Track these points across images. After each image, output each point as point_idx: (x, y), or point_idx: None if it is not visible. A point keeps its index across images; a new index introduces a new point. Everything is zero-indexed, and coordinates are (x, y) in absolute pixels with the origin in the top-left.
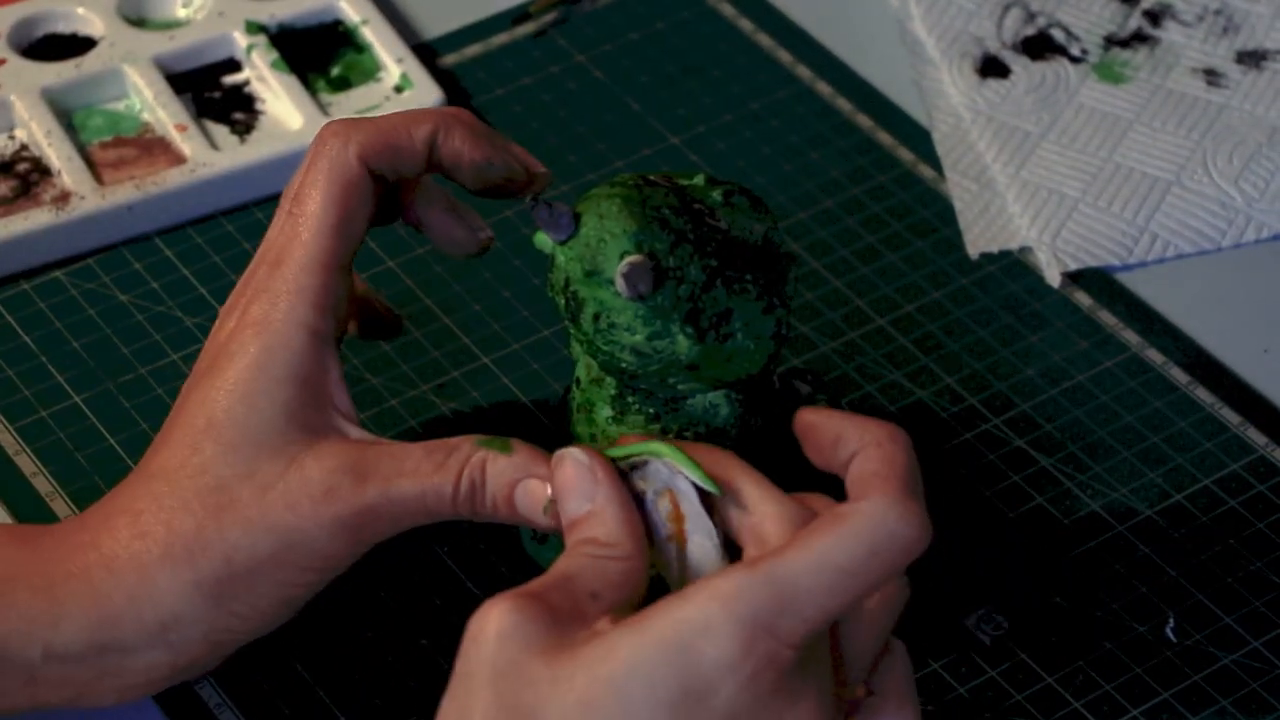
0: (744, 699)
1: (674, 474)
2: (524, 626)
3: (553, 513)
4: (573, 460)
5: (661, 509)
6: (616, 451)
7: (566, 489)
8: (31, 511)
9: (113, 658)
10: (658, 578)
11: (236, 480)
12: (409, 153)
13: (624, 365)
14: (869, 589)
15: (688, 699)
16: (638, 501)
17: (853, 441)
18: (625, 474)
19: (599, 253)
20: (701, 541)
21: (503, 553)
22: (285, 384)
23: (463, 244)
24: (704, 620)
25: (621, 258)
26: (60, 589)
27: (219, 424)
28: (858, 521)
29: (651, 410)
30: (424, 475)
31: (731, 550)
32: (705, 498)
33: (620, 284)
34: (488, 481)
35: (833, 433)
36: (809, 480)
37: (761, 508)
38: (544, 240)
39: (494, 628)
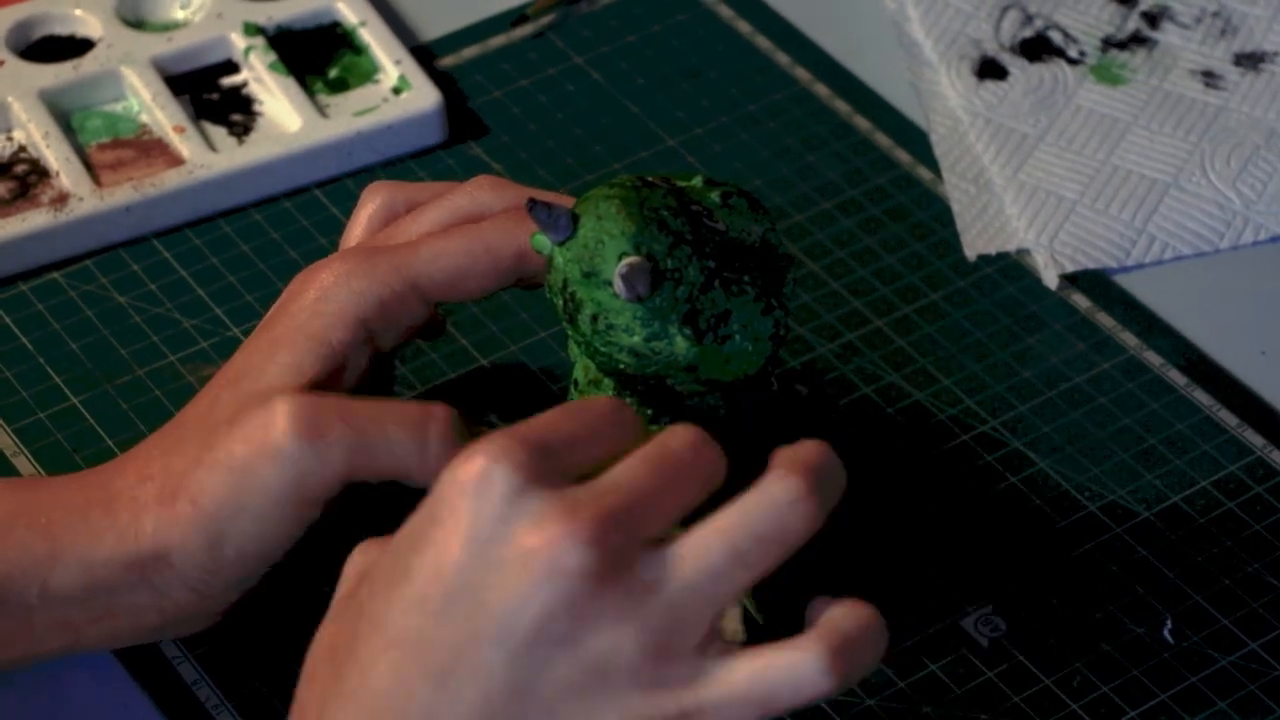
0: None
1: None
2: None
3: None
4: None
5: None
6: None
7: None
8: None
9: (103, 599)
10: None
11: (224, 423)
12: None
13: (622, 366)
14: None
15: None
16: None
17: None
18: None
19: (597, 254)
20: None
21: None
22: (311, 345)
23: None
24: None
25: (620, 259)
26: (58, 527)
27: (243, 375)
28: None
29: (649, 411)
30: (386, 404)
31: None
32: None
33: (618, 285)
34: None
35: None
36: None
37: None
38: (542, 241)
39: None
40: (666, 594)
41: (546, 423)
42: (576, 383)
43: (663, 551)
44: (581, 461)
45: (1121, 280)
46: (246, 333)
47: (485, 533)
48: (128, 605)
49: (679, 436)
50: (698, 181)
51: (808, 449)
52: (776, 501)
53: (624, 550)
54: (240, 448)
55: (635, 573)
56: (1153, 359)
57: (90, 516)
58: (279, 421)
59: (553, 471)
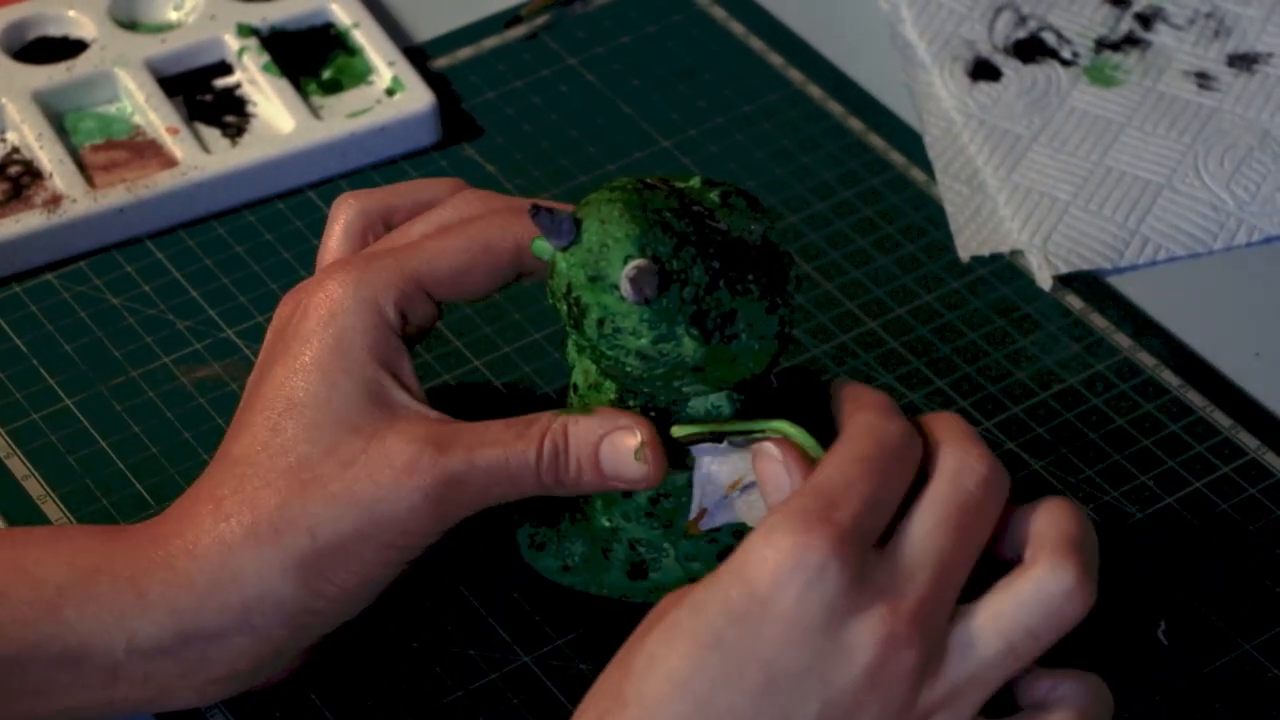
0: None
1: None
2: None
3: (646, 457)
4: (767, 456)
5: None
6: (735, 426)
7: (767, 483)
8: (24, 515)
9: (197, 647)
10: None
11: (319, 457)
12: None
13: (629, 369)
14: (887, 468)
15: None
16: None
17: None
18: (743, 443)
19: (602, 258)
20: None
21: (496, 557)
22: (365, 364)
23: None
24: (762, 534)
25: (625, 262)
26: (144, 579)
27: (300, 404)
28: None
29: (652, 414)
30: (507, 443)
31: None
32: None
33: (626, 288)
34: (571, 444)
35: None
36: None
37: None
38: (543, 247)
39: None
40: (948, 682)
41: (853, 490)
42: (576, 387)
43: (946, 642)
44: (883, 524)
45: (1115, 281)
46: (240, 334)
47: (817, 625)
48: (224, 651)
49: (972, 479)
50: (696, 182)
51: (1067, 522)
52: (1051, 594)
53: (935, 642)
54: (367, 486)
55: (936, 662)
56: (1146, 360)
57: (175, 564)
58: (418, 472)
59: (869, 555)
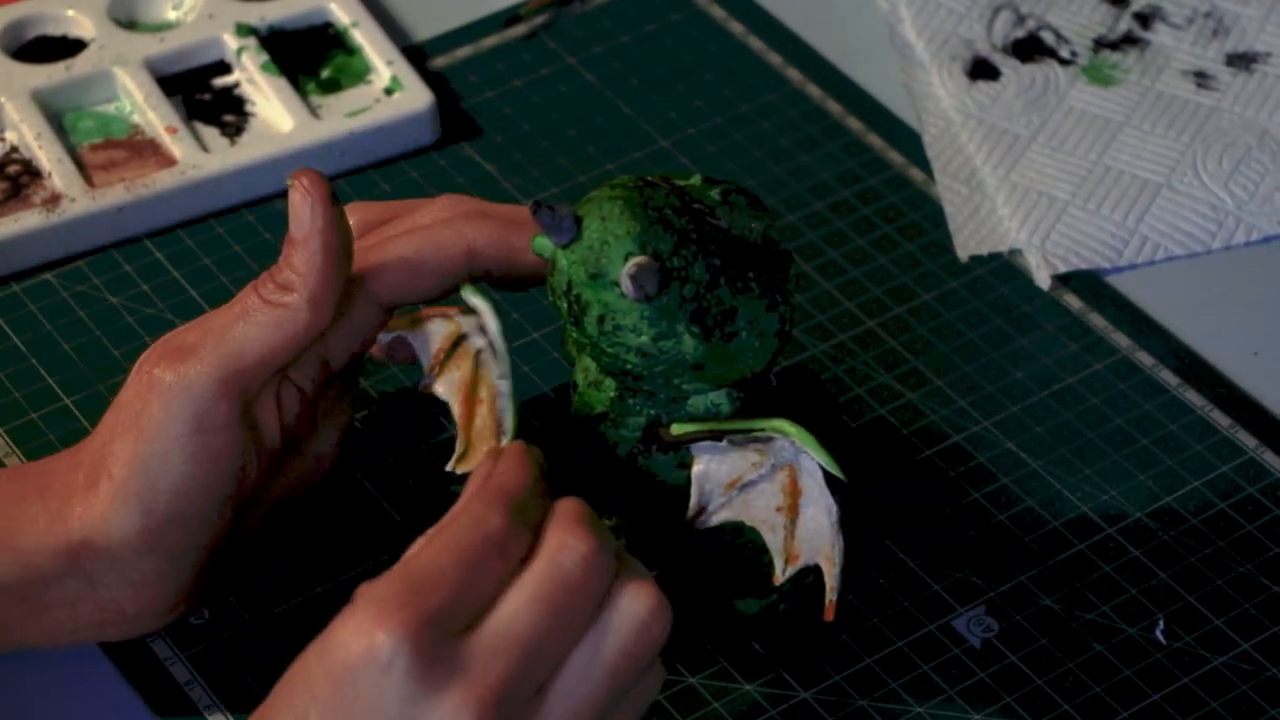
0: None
1: (799, 451)
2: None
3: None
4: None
5: (777, 480)
6: (735, 425)
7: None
8: None
9: (37, 590)
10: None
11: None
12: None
13: (629, 367)
14: (483, 558)
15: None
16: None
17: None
18: (743, 442)
19: (603, 255)
20: (816, 515)
21: None
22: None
23: None
24: (343, 617)
25: (626, 259)
26: None
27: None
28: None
29: (652, 412)
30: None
31: (846, 529)
32: (829, 478)
33: (626, 286)
34: None
35: None
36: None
37: None
38: (543, 244)
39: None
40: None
41: (443, 577)
42: (576, 385)
43: (541, 709)
44: (473, 611)
45: (1114, 281)
46: None
47: (394, 710)
48: (61, 597)
49: (570, 557)
50: (696, 180)
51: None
52: (633, 611)
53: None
54: (133, 402)
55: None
56: (1145, 359)
57: (24, 505)
58: (148, 362)
59: (452, 640)
